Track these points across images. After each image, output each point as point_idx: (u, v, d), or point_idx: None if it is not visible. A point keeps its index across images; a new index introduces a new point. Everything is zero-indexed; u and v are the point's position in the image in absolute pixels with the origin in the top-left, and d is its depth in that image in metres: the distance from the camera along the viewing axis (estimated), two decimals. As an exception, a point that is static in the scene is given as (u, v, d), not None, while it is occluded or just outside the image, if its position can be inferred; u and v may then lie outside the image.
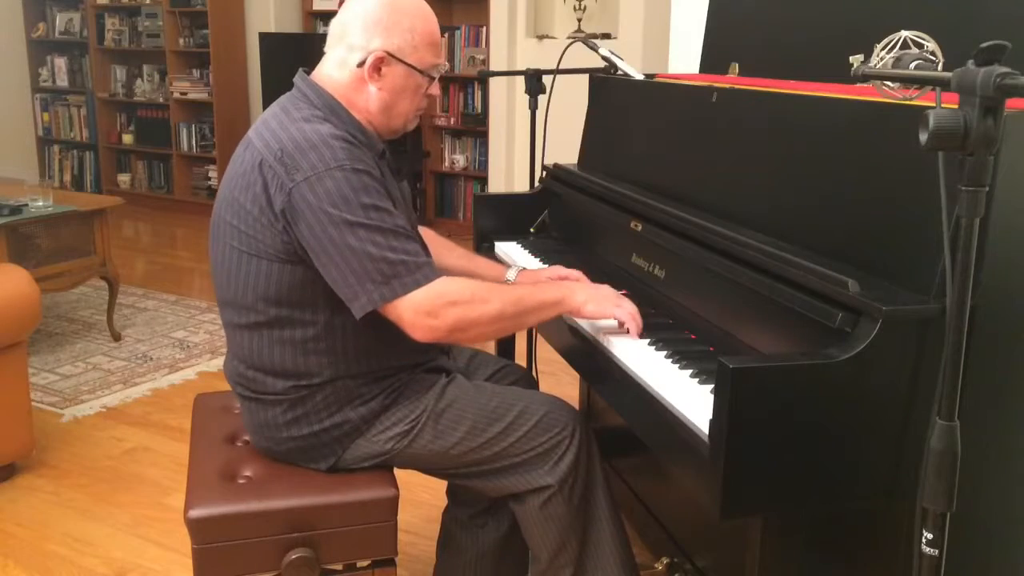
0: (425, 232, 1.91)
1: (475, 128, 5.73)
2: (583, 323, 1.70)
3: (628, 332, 1.59)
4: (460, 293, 1.50)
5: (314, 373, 1.57)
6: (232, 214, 1.54)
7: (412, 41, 1.56)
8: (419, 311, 1.47)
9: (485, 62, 5.51)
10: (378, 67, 1.55)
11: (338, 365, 1.57)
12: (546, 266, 1.98)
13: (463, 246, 1.99)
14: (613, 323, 1.62)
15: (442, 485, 1.93)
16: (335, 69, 1.58)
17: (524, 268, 1.89)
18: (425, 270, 1.49)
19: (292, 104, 1.57)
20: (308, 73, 1.62)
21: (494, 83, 5.39)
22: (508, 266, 1.90)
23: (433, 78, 1.62)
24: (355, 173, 1.46)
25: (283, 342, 1.56)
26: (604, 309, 1.60)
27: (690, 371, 1.44)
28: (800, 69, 1.81)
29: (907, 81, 1.08)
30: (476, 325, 1.51)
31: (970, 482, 1.08)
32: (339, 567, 1.64)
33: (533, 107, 2.48)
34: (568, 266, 1.85)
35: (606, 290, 1.64)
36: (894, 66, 1.10)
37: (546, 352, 2.22)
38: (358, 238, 1.45)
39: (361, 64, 1.55)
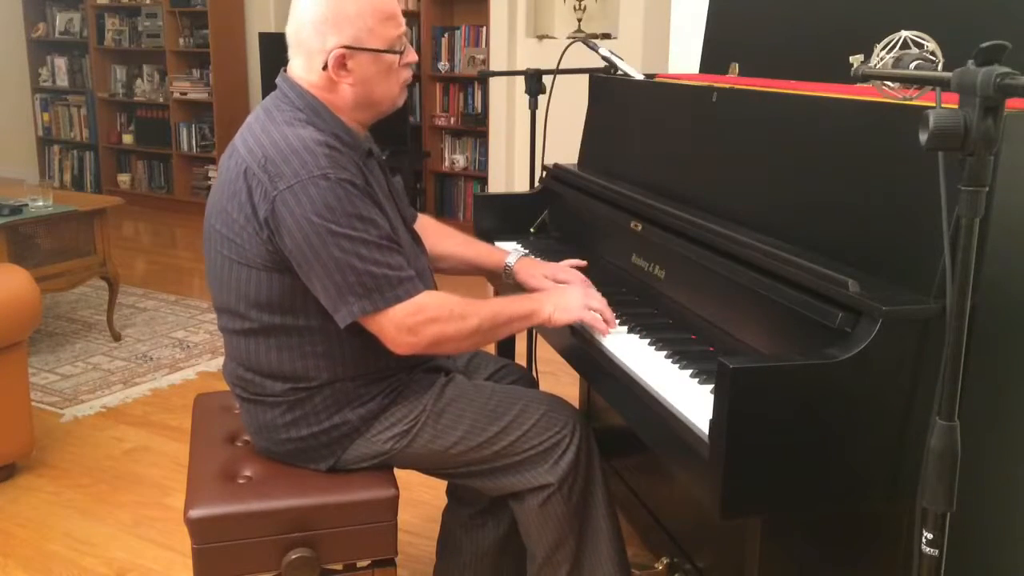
0: (424, 220, 1.91)
1: (475, 128, 5.73)
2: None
3: (603, 332, 1.62)
4: (440, 309, 1.50)
5: (312, 376, 1.57)
6: (221, 222, 1.54)
7: (366, 25, 1.51)
8: (400, 327, 1.48)
9: (485, 62, 5.51)
10: (342, 64, 1.52)
11: (335, 368, 1.57)
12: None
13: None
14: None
15: (442, 485, 1.93)
16: (304, 73, 1.55)
17: (525, 254, 1.89)
18: (407, 285, 1.49)
19: (275, 106, 1.56)
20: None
21: (494, 83, 5.39)
22: (507, 252, 1.90)
23: (401, 51, 1.57)
24: (339, 183, 1.45)
25: (279, 347, 1.56)
26: (571, 316, 1.62)
27: (690, 371, 1.44)
28: (800, 69, 1.81)
29: (907, 81, 1.08)
30: (453, 340, 1.53)
31: (970, 482, 1.08)
32: (339, 567, 1.64)
33: (533, 107, 2.48)
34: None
35: (574, 295, 1.65)
36: (894, 66, 1.10)
37: (546, 352, 2.22)
38: (342, 250, 1.44)
39: (326, 67, 1.52)
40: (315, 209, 1.43)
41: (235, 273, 1.53)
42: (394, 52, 1.55)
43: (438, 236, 1.90)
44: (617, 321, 1.67)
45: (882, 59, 1.11)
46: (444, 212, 6.04)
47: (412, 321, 1.48)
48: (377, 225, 1.48)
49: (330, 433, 1.60)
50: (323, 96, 1.55)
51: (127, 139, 6.97)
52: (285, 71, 1.59)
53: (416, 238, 1.74)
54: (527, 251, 1.97)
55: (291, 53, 1.57)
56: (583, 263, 1.88)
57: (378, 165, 1.66)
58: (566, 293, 1.66)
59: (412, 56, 1.60)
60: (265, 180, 1.46)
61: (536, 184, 2.42)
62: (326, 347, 1.56)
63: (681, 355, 1.50)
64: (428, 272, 1.71)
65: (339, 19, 1.50)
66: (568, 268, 1.84)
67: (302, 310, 1.54)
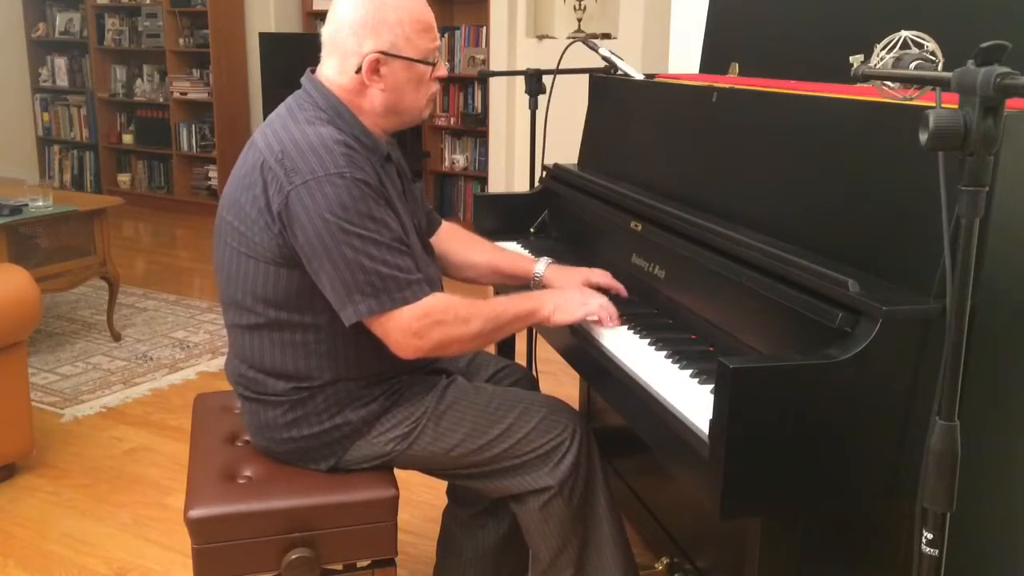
0: (453, 228, 1.92)
1: (475, 128, 5.73)
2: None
3: (605, 325, 1.63)
4: (445, 313, 1.51)
5: (314, 375, 1.57)
6: (233, 215, 1.54)
7: (403, 33, 1.53)
8: (406, 330, 1.48)
9: (485, 62, 5.51)
10: (376, 69, 1.54)
11: (338, 368, 1.57)
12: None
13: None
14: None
15: (442, 485, 1.93)
16: (335, 75, 1.57)
17: (552, 261, 1.88)
18: (414, 288, 1.49)
19: (298, 104, 1.57)
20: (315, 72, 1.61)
21: (494, 83, 5.39)
22: (535, 259, 1.89)
23: (434, 63, 1.59)
24: (355, 182, 1.45)
25: (283, 344, 1.56)
26: (572, 315, 1.63)
27: (690, 371, 1.44)
28: (800, 69, 1.81)
29: (907, 81, 1.08)
30: (458, 343, 1.54)
31: (970, 482, 1.08)
32: (339, 567, 1.64)
33: (533, 107, 2.48)
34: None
35: (574, 296, 1.66)
36: (894, 66, 1.10)
37: (546, 352, 2.22)
38: (353, 248, 1.45)
39: (359, 70, 1.54)
40: (329, 206, 1.44)
41: (243, 266, 1.54)
42: (427, 63, 1.57)
43: (467, 244, 1.91)
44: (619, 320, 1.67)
45: (882, 59, 1.11)
46: (444, 212, 6.03)
47: (417, 325, 1.48)
48: (389, 227, 1.49)
49: (331, 434, 1.60)
50: (349, 99, 1.56)
51: (127, 139, 6.97)
52: (312, 72, 1.60)
53: (427, 246, 1.74)
54: (528, 250, 1.97)
55: (324, 53, 1.58)
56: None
57: (396, 171, 1.66)
58: (566, 293, 1.67)
59: (442, 70, 1.61)
60: (281, 174, 1.46)
61: (536, 184, 2.42)
62: (330, 346, 1.56)
63: (681, 355, 1.50)
64: (438, 280, 1.71)
65: (379, 24, 1.52)
66: (599, 271, 1.83)
67: (308, 307, 1.54)
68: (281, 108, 1.59)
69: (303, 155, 1.46)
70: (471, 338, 1.54)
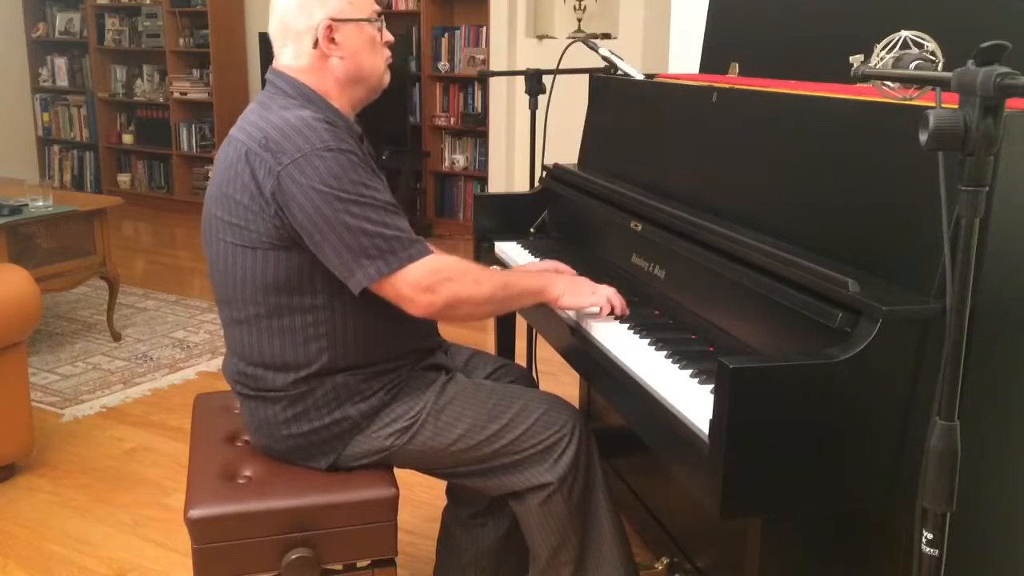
0: None
1: (475, 128, 5.73)
2: (575, 317, 1.70)
3: (609, 316, 1.66)
4: (454, 270, 1.54)
5: (313, 361, 1.57)
6: (223, 209, 1.55)
7: None
8: (417, 286, 1.50)
9: (485, 62, 5.51)
10: (330, 37, 1.58)
11: (336, 350, 1.57)
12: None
13: (463, 246, 2.01)
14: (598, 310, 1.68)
15: (442, 485, 1.93)
16: (294, 59, 1.60)
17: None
18: (419, 246, 1.52)
19: (268, 98, 1.60)
20: None
21: (494, 83, 5.39)
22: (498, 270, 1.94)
23: (380, 21, 1.64)
24: (342, 153, 1.48)
25: (282, 332, 1.57)
26: (580, 300, 1.66)
27: (690, 371, 1.44)
28: (800, 69, 1.81)
29: (907, 81, 1.08)
30: (468, 303, 1.55)
31: (970, 482, 1.08)
32: (339, 567, 1.64)
33: (533, 107, 2.48)
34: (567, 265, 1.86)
35: (583, 281, 1.70)
36: (894, 66, 1.10)
37: (546, 352, 2.22)
38: (352, 215, 1.47)
39: (316, 44, 1.57)
40: (321, 179, 1.46)
41: (239, 258, 1.54)
42: (374, 22, 1.62)
43: None
44: (616, 319, 1.68)
45: (882, 59, 1.11)
46: (444, 212, 6.04)
47: (428, 281, 1.50)
48: (380, 191, 1.52)
49: (331, 429, 1.60)
50: (314, 81, 1.60)
51: (127, 139, 6.97)
52: (273, 67, 1.64)
53: None
54: (528, 250, 1.99)
55: (278, 46, 1.62)
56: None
57: (368, 155, 1.68)
58: (577, 280, 1.71)
59: (389, 36, 1.67)
60: (268, 157, 1.48)
61: (536, 184, 2.42)
62: (329, 327, 1.57)
63: (681, 355, 1.50)
64: None
65: None
66: (554, 263, 1.86)
67: (308, 288, 1.55)
68: (252, 104, 1.63)
69: (287, 137, 1.49)
70: (482, 301, 1.56)
